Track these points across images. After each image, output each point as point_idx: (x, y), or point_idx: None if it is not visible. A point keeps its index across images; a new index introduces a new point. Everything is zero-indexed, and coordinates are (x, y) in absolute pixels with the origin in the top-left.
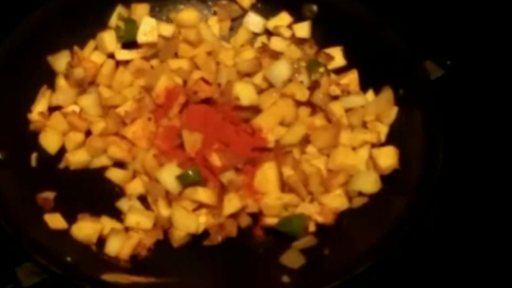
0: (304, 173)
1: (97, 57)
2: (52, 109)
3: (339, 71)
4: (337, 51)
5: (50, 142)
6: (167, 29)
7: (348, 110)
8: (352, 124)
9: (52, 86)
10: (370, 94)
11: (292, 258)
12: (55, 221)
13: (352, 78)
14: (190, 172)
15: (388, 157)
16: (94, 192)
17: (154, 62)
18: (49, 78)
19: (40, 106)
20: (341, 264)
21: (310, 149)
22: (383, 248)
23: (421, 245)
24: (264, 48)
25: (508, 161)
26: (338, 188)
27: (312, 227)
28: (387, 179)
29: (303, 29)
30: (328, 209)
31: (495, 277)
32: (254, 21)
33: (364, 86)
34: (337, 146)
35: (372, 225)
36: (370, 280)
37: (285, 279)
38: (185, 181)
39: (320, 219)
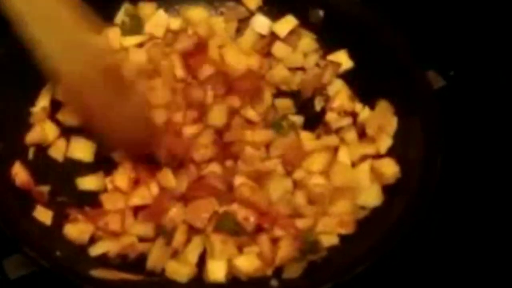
0: (311, 193)
1: None
2: (54, 104)
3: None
4: (343, 53)
5: None
6: (175, 23)
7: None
8: (347, 140)
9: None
10: (366, 110)
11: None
12: (45, 216)
13: (343, 98)
14: None
15: (390, 165)
16: None
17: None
18: None
19: (43, 101)
20: (338, 265)
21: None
22: (380, 252)
23: (420, 246)
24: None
25: (509, 171)
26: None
27: (335, 240)
28: (387, 190)
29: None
30: (346, 219)
31: (495, 277)
32: (260, 23)
33: (366, 94)
34: (335, 164)
35: (370, 228)
36: (369, 282)
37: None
38: None
39: (342, 230)
